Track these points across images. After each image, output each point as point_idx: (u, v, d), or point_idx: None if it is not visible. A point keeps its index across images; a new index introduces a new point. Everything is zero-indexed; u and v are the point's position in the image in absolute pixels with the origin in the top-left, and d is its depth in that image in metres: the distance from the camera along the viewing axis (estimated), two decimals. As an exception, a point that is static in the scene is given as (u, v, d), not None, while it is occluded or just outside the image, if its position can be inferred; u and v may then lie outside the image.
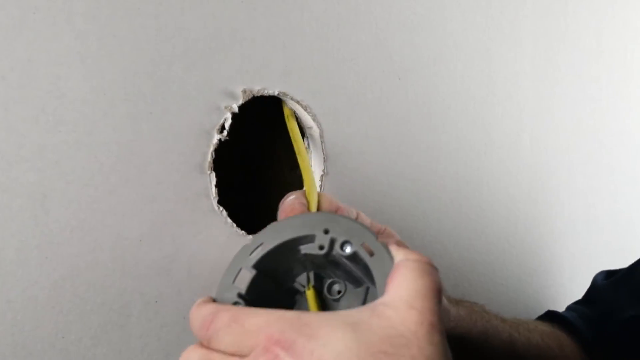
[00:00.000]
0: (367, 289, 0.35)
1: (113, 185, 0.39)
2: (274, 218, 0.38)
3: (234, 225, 0.44)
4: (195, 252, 0.43)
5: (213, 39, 0.43)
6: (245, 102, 0.44)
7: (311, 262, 0.35)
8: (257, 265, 0.33)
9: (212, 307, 0.32)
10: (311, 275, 0.36)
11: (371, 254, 0.32)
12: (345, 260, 0.33)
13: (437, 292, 0.29)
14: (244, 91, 0.44)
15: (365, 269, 0.33)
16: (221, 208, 0.44)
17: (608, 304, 0.58)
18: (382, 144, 0.55)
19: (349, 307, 0.35)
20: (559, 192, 0.77)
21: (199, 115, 0.43)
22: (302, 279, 0.36)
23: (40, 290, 0.37)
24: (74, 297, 0.38)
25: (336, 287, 0.36)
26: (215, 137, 0.43)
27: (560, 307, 0.65)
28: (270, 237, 0.34)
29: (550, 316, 0.62)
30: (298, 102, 0.48)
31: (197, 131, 0.43)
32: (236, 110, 0.44)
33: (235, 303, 0.32)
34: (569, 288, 0.80)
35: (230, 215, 0.44)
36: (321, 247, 0.33)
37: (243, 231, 0.45)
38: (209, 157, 0.43)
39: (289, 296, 0.36)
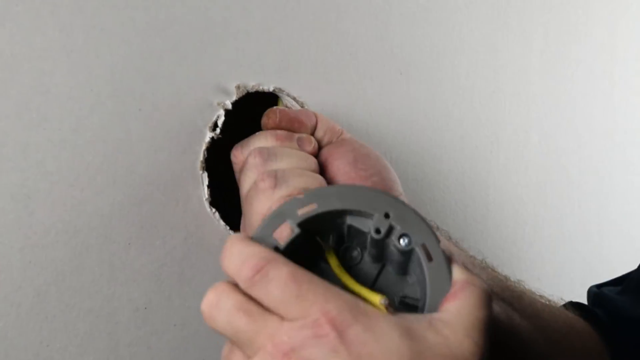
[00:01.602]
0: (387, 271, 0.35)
1: (100, 185, 0.40)
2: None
3: (227, 227, 0.45)
4: (186, 255, 0.43)
5: (205, 32, 0.43)
6: (239, 99, 0.45)
7: (349, 231, 0.34)
8: (302, 224, 0.33)
9: (264, 251, 0.31)
10: (333, 236, 0.35)
11: (430, 258, 0.32)
12: (393, 249, 0.33)
13: (492, 326, 0.31)
14: (238, 87, 0.45)
15: (414, 267, 0.33)
16: (214, 210, 0.44)
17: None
18: (382, 143, 0.55)
19: (364, 275, 0.35)
20: (569, 192, 0.78)
21: (191, 112, 0.43)
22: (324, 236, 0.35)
23: (24, 297, 0.37)
24: (59, 304, 0.39)
25: (354, 254, 0.36)
26: (208, 135, 0.43)
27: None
28: (326, 200, 0.33)
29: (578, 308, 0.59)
30: (294, 99, 0.48)
31: (188, 129, 0.43)
32: (229, 107, 0.44)
33: None
34: (581, 294, 0.80)
35: (223, 217, 0.45)
36: (377, 231, 0.33)
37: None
38: (201, 157, 0.43)
39: (306, 248, 0.35)
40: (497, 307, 0.44)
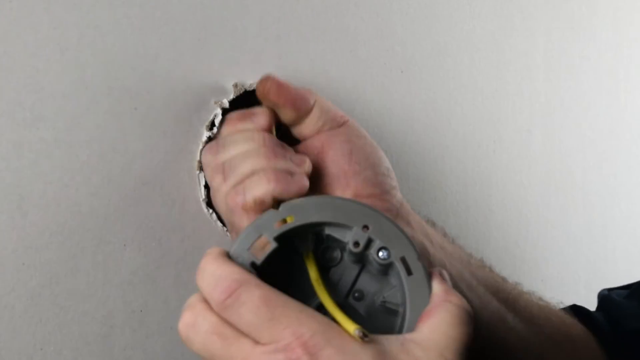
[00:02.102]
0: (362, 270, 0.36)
1: (95, 186, 0.40)
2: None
3: (224, 228, 0.45)
4: (182, 257, 0.43)
5: (202, 28, 0.43)
6: (236, 97, 0.45)
7: (327, 238, 0.35)
8: (279, 238, 0.33)
9: (237, 271, 0.31)
10: (312, 240, 0.35)
11: (409, 272, 0.33)
12: (373, 262, 0.34)
13: (468, 346, 0.31)
14: (235, 85, 0.45)
15: (394, 274, 0.34)
16: (210, 210, 0.44)
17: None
18: (383, 142, 0.55)
19: (341, 278, 0.36)
20: (573, 193, 0.78)
21: (187, 111, 0.43)
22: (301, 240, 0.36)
23: (17, 299, 0.37)
24: (54, 306, 0.39)
25: (334, 254, 0.36)
26: (204, 135, 0.43)
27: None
28: (303, 212, 0.34)
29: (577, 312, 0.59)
30: (293, 97, 0.48)
31: (184, 128, 0.43)
32: (227, 105, 0.44)
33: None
34: (585, 296, 0.81)
35: (220, 218, 0.45)
36: (356, 244, 0.33)
37: (234, 235, 0.45)
38: (198, 156, 0.43)
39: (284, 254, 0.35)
40: (490, 308, 0.44)
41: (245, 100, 0.45)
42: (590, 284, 0.81)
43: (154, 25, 0.41)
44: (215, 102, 0.44)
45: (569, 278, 0.78)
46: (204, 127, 0.43)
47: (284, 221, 0.33)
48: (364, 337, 0.29)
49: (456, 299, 0.32)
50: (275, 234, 0.33)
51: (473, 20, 0.63)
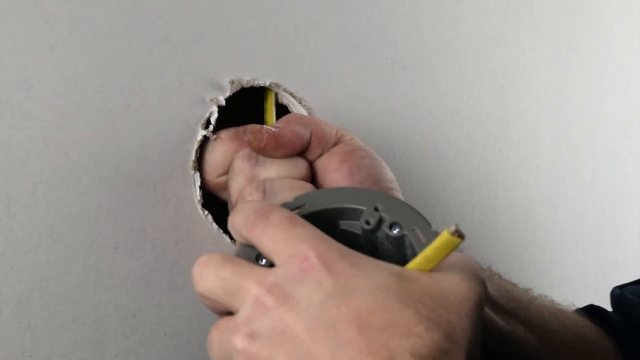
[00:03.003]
0: None
1: (86, 186, 0.40)
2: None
3: (220, 231, 0.45)
4: (177, 260, 0.43)
5: (197, 23, 0.44)
6: (233, 94, 0.45)
7: (343, 237, 0.35)
8: None
9: (270, 203, 0.35)
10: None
11: (422, 241, 0.34)
12: (386, 243, 0.35)
13: (484, 294, 0.32)
14: (232, 82, 0.45)
15: (408, 257, 0.35)
16: (206, 212, 0.44)
17: None
18: (385, 141, 0.55)
19: None
20: (582, 194, 0.78)
21: (182, 108, 0.43)
22: None
23: (5, 304, 0.37)
24: (43, 311, 0.39)
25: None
26: (200, 133, 0.43)
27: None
28: (314, 201, 0.35)
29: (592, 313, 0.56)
30: (292, 94, 0.48)
31: (179, 126, 0.43)
32: (223, 102, 0.44)
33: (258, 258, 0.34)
34: (595, 301, 0.81)
35: (216, 220, 0.45)
36: (367, 222, 0.35)
37: (230, 237, 0.45)
38: (193, 156, 0.43)
39: None
40: (500, 321, 0.44)
41: (242, 97, 0.46)
42: (600, 287, 0.81)
43: (147, 20, 0.41)
44: (211, 100, 0.44)
45: (578, 281, 0.79)
46: (200, 125, 0.43)
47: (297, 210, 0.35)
48: (459, 233, 0.29)
49: (471, 259, 0.34)
50: None
51: (479, 15, 0.63)
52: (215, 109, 0.44)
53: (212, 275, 0.32)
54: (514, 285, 0.50)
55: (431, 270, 0.31)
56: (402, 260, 0.34)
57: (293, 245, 0.31)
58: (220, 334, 0.32)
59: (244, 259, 0.33)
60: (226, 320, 0.32)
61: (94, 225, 0.40)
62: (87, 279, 0.40)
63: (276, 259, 0.32)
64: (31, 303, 0.38)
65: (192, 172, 0.43)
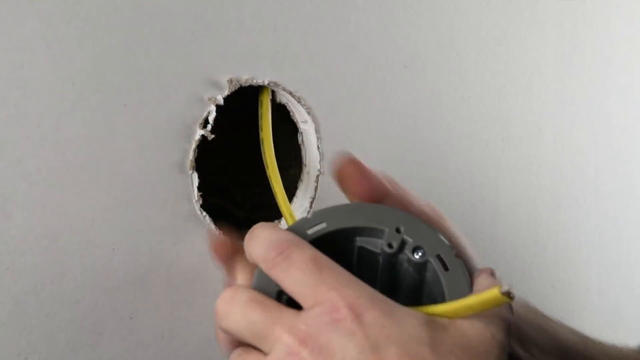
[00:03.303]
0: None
1: (82, 186, 0.40)
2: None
3: (219, 231, 0.45)
4: (175, 261, 0.43)
5: (195, 21, 0.44)
6: (231, 93, 0.45)
7: (359, 254, 0.35)
8: (312, 244, 0.34)
9: (291, 235, 0.34)
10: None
11: (446, 268, 0.33)
12: (406, 265, 0.35)
13: (507, 339, 0.33)
14: (230, 81, 0.45)
15: (429, 283, 0.34)
16: (204, 213, 0.44)
17: None
18: (385, 140, 0.55)
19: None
20: (585, 194, 0.78)
21: (179, 107, 0.43)
22: None
23: (0, 306, 0.37)
24: (39, 313, 0.39)
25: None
26: (198, 133, 0.43)
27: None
28: (334, 218, 0.35)
29: None
30: (291, 93, 0.48)
31: (177, 126, 0.43)
32: (221, 102, 0.44)
33: None
34: (598, 304, 0.81)
35: (215, 221, 0.45)
36: (390, 246, 0.34)
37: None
38: (191, 155, 0.43)
39: None
40: None
41: (241, 96, 0.46)
42: (603, 289, 0.81)
43: (145, 18, 0.41)
44: (209, 99, 0.44)
45: (580, 283, 0.79)
46: (198, 125, 0.44)
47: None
48: (510, 295, 0.29)
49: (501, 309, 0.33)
50: (309, 239, 0.34)
51: (480, 13, 0.63)
52: (213, 108, 0.44)
53: (239, 316, 0.32)
54: (572, 331, 0.48)
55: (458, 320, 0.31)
56: (421, 282, 0.34)
57: (321, 293, 0.31)
58: None
59: (269, 298, 0.32)
60: (254, 357, 0.32)
61: (91, 226, 0.40)
62: (84, 281, 0.40)
63: (302, 303, 0.32)
64: (27, 305, 0.38)
65: (190, 172, 0.43)
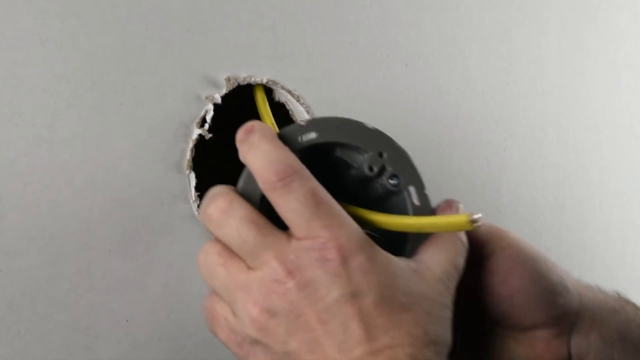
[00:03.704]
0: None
1: (77, 187, 0.40)
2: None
3: (217, 232, 0.45)
4: (171, 263, 0.43)
5: (192, 18, 0.44)
6: (229, 92, 0.45)
7: (334, 164, 0.39)
8: (301, 152, 0.36)
9: (294, 159, 0.35)
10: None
11: (415, 202, 0.38)
12: (378, 187, 0.39)
13: (460, 276, 0.38)
14: (228, 79, 0.45)
15: (394, 205, 0.39)
16: (202, 213, 0.44)
17: None
18: (386, 139, 0.55)
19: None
20: (589, 195, 0.78)
21: (176, 106, 0.43)
22: None
23: (-6, 308, 0.37)
24: (33, 316, 0.39)
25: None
26: (195, 132, 0.44)
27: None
28: (325, 131, 0.38)
29: None
30: (290, 92, 0.48)
31: (174, 125, 0.43)
32: (219, 100, 0.44)
33: None
34: (602, 305, 0.81)
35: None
36: (371, 169, 0.38)
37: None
38: (188, 155, 0.43)
39: None
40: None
41: (239, 95, 0.46)
42: (608, 291, 0.81)
43: (141, 15, 0.42)
44: (207, 97, 0.44)
45: (585, 285, 0.79)
46: (195, 124, 0.44)
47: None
48: (476, 223, 0.33)
49: (462, 235, 0.38)
50: (300, 147, 0.37)
51: (482, 10, 0.63)
52: (210, 107, 0.44)
53: (233, 232, 0.34)
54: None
55: (421, 260, 0.36)
56: (385, 203, 0.39)
57: (315, 228, 0.33)
58: (229, 278, 0.35)
59: (264, 219, 0.34)
60: (237, 267, 0.35)
61: (86, 227, 0.40)
62: (79, 283, 0.40)
63: (294, 231, 0.34)
64: (21, 307, 0.38)
65: (187, 171, 0.44)
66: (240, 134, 0.37)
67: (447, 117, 0.60)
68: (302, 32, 0.49)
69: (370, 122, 0.54)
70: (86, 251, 0.40)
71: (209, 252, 0.36)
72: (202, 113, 0.44)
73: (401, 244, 0.38)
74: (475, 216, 0.34)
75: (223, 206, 0.35)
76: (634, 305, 0.48)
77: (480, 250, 0.42)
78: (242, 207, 0.35)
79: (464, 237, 0.39)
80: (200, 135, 0.43)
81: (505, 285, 0.42)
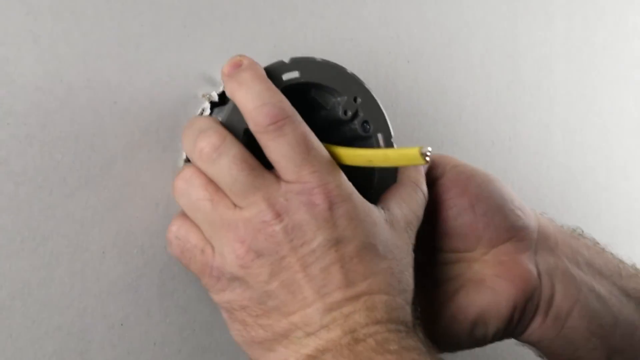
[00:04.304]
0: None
1: (71, 187, 0.40)
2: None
3: (213, 234, 0.45)
4: (167, 265, 0.44)
5: (188, 14, 0.44)
6: (226, 90, 0.45)
7: (308, 102, 0.41)
8: (283, 90, 0.38)
9: (286, 102, 0.37)
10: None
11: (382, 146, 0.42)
12: (348, 129, 0.42)
13: (419, 221, 0.42)
14: (225, 77, 0.45)
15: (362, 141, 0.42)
16: (198, 214, 0.44)
17: None
18: (387, 138, 0.55)
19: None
20: (596, 195, 0.78)
21: (172, 104, 0.43)
22: None
23: (-15, 311, 0.38)
24: (25, 319, 0.39)
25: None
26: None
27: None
28: (307, 71, 0.41)
29: None
30: (289, 90, 0.48)
31: (169, 124, 0.43)
32: (216, 98, 0.44)
33: None
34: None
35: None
36: (345, 113, 0.42)
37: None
38: (184, 154, 0.43)
39: None
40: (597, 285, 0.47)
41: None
42: (615, 295, 0.81)
43: (136, 11, 0.42)
44: (203, 95, 0.44)
45: (591, 288, 0.79)
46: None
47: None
48: (426, 157, 0.36)
49: (423, 185, 0.42)
50: (282, 85, 0.39)
51: (486, 6, 0.63)
52: (207, 105, 0.44)
53: (225, 170, 0.36)
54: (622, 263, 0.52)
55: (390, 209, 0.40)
56: (351, 144, 0.41)
57: (304, 173, 0.36)
58: (215, 214, 0.36)
59: (255, 160, 0.36)
60: (224, 203, 0.36)
61: (80, 229, 0.40)
62: (72, 285, 0.40)
63: (283, 175, 0.36)
64: (13, 311, 0.38)
65: (183, 172, 0.44)
66: (228, 68, 0.38)
67: (450, 116, 0.60)
68: (302, 28, 0.49)
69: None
70: (79, 253, 0.40)
71: (193, 183, 0.37)
72: (199, 111, 0.44)
73: (365, 192, 0.40)
74: (426, 149, 0.36)
75: (215, 142, 0.36)
76: (591, 237, 0.50)
77: (432, 170, 0.46)
78: (235, 146, 0.36)
79: (424, 188, 0.42)
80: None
81: (465, 195, 0.45)
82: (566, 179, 0.74)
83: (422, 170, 0.43)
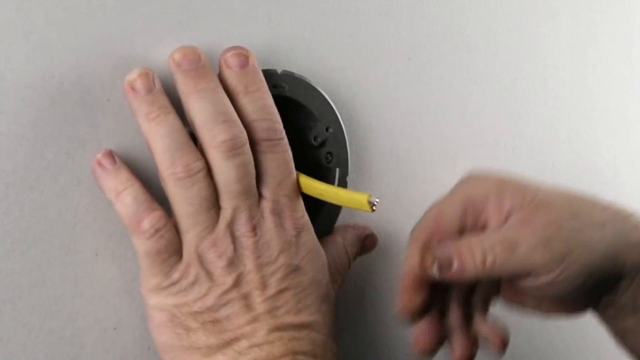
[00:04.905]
0: None
1: (62, 187, 0.40)
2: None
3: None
4: (162, 268, 0.44)
5: (183, 10, 0.44)
6: (222, 87, 0.45)
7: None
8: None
9: (280, 125, 0.42)
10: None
11: (338, 183, 0.47)
12: (311, 154, 0.46)
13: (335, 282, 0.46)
14: (221, 74, 0.45)
15: (317, 175, 0.45)
16: (193, 215, 0.44)
17: None
18: (388, 137, 0.55)
19: None
20: (603, 196, 0.78)
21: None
22: None
23: (-25, 315, 0.38)
24: (16, 324, 0.39)
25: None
26: (187, 130, 0.44)
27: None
28: (294, 88, 0.45)
29: None
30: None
31: (164, 122, 0.43)
32: (212, 96, 0.44)
33: None
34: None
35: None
36: (315, 139, 0.46)
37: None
38: (179, 154, 0.43)
39: None
40: None
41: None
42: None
43: (130, 6, 0.42)
44: (199, 93, 0.44)
45: (598, 292, 0.79)
46: (187, 121, 0.44)
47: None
48: (373, 206, 0.40)
49: (354, 250, 0.48)
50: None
51: (490, 1, 0.63)
52: (203, 104, 0.44)
53: (234, 168, 0.40)
54: None
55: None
56: (310, 172, 0.44)
57: (279, 195, 0.41)
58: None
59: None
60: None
61: (72, 230, 0.40)
62: (64, 289, 0.40)
63: (262, 187, 0.41)
64: (3, 314, 0.38)
65: (178, 172, 0.44)
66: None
67: (453, 114, 0.60)
68: (300, 24, 0.49)
69: (371, 119, 0.54)
70: (72, 256, 0.40)
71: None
72: (194, 110, 0.44)
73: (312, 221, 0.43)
74: (373, 199, 0.40)
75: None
76: None
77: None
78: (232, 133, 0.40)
79: (352, 254, 0.47)
80: (191, 133, 0.44)
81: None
82: (572, 179, 0.74)
83: (362, 232, 0.49)
